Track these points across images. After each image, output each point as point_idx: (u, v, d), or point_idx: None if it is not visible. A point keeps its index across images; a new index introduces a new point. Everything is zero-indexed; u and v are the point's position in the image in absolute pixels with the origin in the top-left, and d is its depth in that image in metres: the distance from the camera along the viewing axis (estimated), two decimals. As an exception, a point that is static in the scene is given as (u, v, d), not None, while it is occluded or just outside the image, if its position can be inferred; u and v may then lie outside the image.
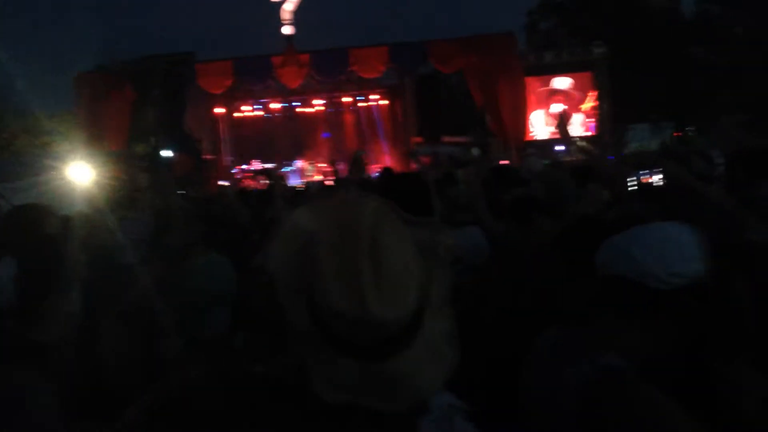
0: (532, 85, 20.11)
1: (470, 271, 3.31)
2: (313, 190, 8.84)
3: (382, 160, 20.81)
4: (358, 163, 4.60)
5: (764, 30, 27.09)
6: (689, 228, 1.60)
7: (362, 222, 1.06)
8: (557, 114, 19.30)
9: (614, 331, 1.61)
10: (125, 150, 17.53)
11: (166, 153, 16.90)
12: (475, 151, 16.89)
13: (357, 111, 22.11)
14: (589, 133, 20.19)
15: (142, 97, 18.04)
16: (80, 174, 16.01)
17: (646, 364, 1.55)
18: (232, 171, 21.33)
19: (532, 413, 1.86)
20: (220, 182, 19.24)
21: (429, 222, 1.20)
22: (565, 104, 20.13)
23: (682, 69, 27.32)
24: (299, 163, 21.32)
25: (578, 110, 20.35)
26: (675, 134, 27.20)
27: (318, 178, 19.48)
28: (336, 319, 1.02)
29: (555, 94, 20.49)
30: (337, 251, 1.04)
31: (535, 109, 20.24)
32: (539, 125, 20.27)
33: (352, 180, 4.38)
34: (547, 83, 20.40)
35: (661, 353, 1.58)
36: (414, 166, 18.77)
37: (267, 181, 17.59)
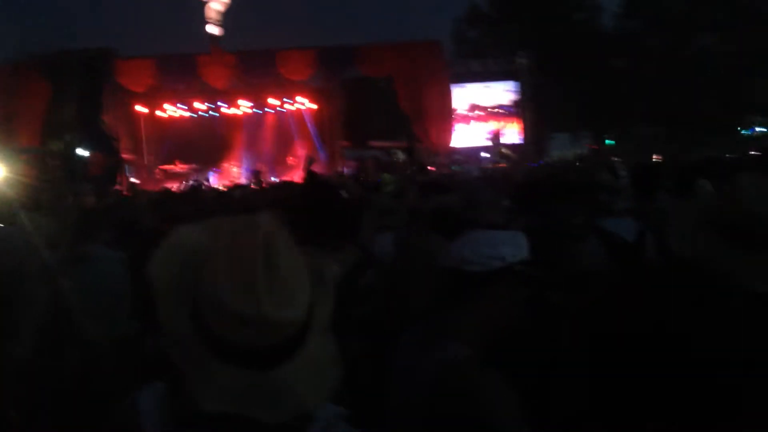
0: (469, 91, 20.71)
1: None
2: (238, 193, 8.69)
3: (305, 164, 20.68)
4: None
5: (680, 44, 28.47)
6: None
7: (258, 231, 1.09)
8: (493, 132, 19.94)
9: (453, 319, 1.84)
10: (38, 147, 16.81)
11: (81, 151, 16.27)
12: (399, 155, 17.03)
13: (283, 114, 21.87)
14: (513, 141, 20.73)
15: (58, 93, 17.33)
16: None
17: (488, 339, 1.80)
18: (153, 171, 20.76)
19: (393, 412, 1.95)
20: (132, 179, 18.64)
21: (314, 251, 1.24)
22: (502, 112, 20.85)
23: (602, 80, 28.36)
24: (223, 165, 20.96)
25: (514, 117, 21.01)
26: (591, 146, 28.22)
27: (242, 181, 19.20)
28: (228, 320, 1.03)
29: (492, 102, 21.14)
30: (232, 256, 1.07)
31: (472, 114, 20.83)
32: (473, 130, 20.79)
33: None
34: (485, 90, 21.00)
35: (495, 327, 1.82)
36: (341, 169, 18.79)
37: (190, 183, 17.26)
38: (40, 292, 2.91)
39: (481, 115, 21.13)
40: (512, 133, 20.91)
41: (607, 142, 28.08)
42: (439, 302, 1.92)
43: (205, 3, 19.93)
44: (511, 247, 1.81)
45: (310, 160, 19.68)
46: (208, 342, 1.05)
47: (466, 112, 21.11)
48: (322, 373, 1.12)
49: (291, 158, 21.48)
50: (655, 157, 21.00)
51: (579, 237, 3.12)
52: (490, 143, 20.02)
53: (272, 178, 19.46)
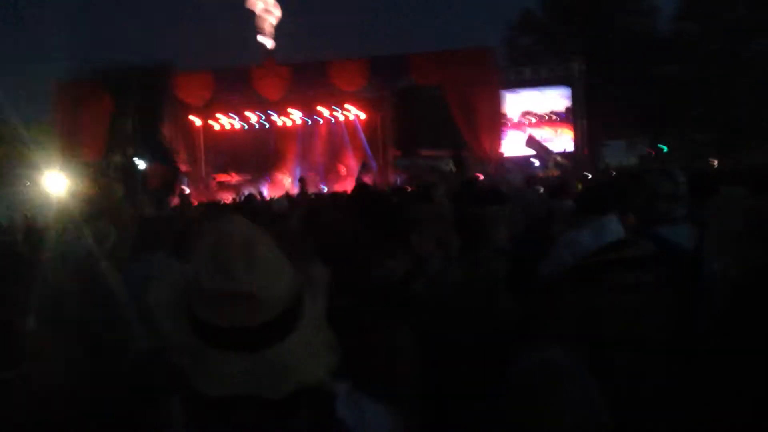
0: (521, 98, 20.57)
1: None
2: (279, 206, 8.78)
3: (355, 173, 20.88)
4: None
5: (738, 48, 27.61)
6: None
7: (235, 230, 1.21)
8: (532, 139, 19.74)
9: (548, 324, 1.81)
10: (101, 160, 17.38)
11: (141, 163, 16.78)
12: (448, 165, 16.99)
13: (335, 124, 22.10)
14: (566, 149, 20.43)
15: (120, 107, 17.90)
16: (55, 184, 15.90)
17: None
18: (208, 182, 21.21)
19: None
20: (183, 187, 19.01)
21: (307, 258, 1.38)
22: (555, 119, 20.64)
23: (657, 85, 27.71)
24: (276, 175, 21.25)
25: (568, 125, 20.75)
26: (649, 151, 27.58)
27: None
28: (211, 301, 1.14)
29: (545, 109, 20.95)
30: (215, 250, 1.18)
31: (524, 122, 20.70)
32: (515, 144, 20.59)
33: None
34: (538, 97, 20.81)
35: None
36: (393, 178, 18.87)
37: (247, 193, 17.58)
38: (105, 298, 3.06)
39: (533, 122, 20.93)
40: (566, 141, 20.64)
41: (662, 148, 27.40)
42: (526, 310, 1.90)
43: (258, 16, 20.35)
44: (575, 244, 1.75)
45: (363, 168, 19.96)
46: (201, 332, 1.15)
47: (519, 119, 20.97)
48: (317, 354, 1.20)
49: (342, 167, 21.69)
50: (710, 161, 20.47)
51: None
52: (531, 150, 19.82)
53: (323, 187, 19.66)
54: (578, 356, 1.65)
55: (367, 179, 19.01)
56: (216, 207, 8.89)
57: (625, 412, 1.65)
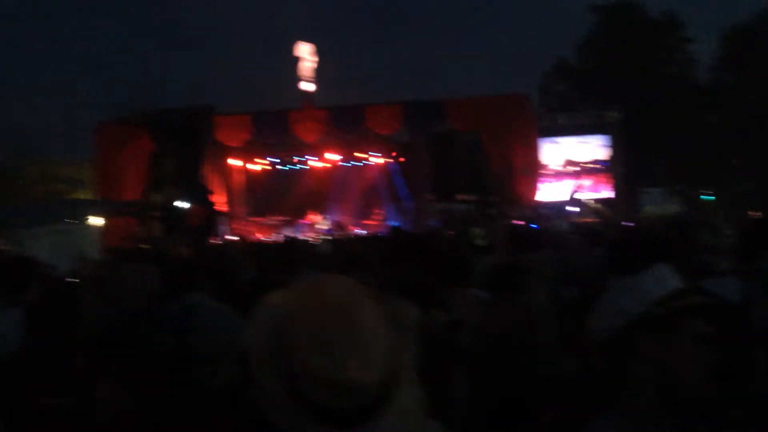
0: (557, 145, 20.53)
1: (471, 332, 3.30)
2: (324, 247, 8.83)
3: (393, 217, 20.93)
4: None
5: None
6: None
7: (334, 296, 1.14)
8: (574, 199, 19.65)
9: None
10: (141, 200, 17.68)
11: (180, 203, 17.02)
12: (486, 209, 16.91)
13: (370, 167, 22.27)
14: (604, 195, 20.24)
15: (160, 148, 18.27)
16: (96, 222, 16.20)
17: None
18: (244, 223, 21.42)
19: None
20: (228, 237, 19.30)
21: (392, 299, 1.28)
22: (592, 166, 20.53)
23: (695, 134, 27.47)
24: (312, 217, 21.39)
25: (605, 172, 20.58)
26: (685, 200, 27.23)
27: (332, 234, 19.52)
28: (316, 386, 1.07)
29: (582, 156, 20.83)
30: (313, 324, 1.10)
31: (560, 169, 20.62)
32: (561, 184, 20.48)
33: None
34: (575, 144, 20.73)
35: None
36: (425, 221, 18.82)
37: (285, 236, 17.71)
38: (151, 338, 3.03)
39: (576, 170, 20.78)
40: (605, 188, 20.46)
41: (702, 197, 26.98)
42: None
43: (300, 61, 20.82)
44: (638, 291, 1.57)
45: (399, 213, 20.05)
46: (300, 403, 1.09)
47: (560, 168, 20.85)
48: (411, 422, 1.15)
49: (377, 211, 21.76)
50: (751, 213, 20.03)
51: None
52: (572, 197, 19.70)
53: (356, 231, 19.68)
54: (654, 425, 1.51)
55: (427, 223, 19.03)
56: (261, 248, 8.92)
57: None
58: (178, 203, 16.93)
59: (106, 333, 2.62)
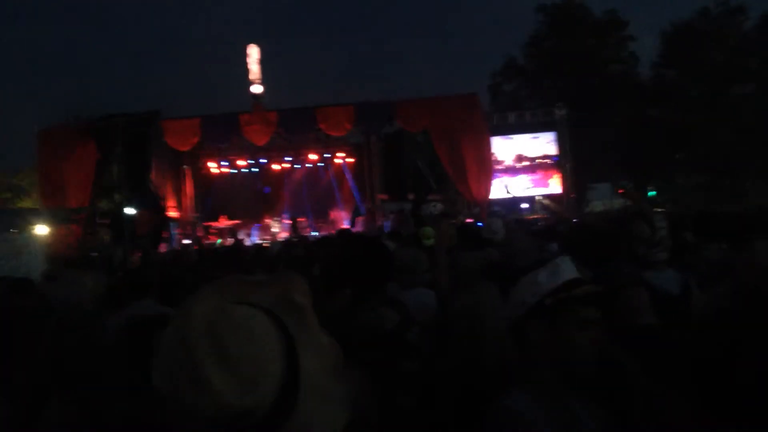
0: (507, 143, 20.79)
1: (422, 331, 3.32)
2: (275, 248, 8.80)
3: (345, 217, 20.98)
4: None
5: (718, 92, 28.24)
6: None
7: (204, 313, 1.02)
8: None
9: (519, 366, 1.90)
10: (88, 207, 17.28)
11: (129, 210, 16.68)
12: (438, 208, 17.02)
13: (323, 169, 22.30)
14: (551, 191, 20.62)
15: (106, 154, 17.86)
16: (41, 231, 15.77)
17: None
18: (197, 228, 21.16)
19: None
20: (184, 241, 19.05)
21: (278, 277, 1.16)
22: (540, 163, 20.83)
23: (640, 129, 28.18)
24: (266, 220, 21.26)
25: (554, 169, 20.90)
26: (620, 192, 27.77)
27: (283, 235, 19.41)
28: (194, 416, 0.97)
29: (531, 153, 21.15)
30: (183, 357, 0.98)
31: (511, 167, 20.88)
32: (512, 182, 20.77)
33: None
34: (524, 141, 21.02)
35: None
36: (378, 221, 18.89)
37: (232, 239, 17.53)
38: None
39: (527, 165, 21.12)
40: (554, 184, 20.84)
41: (649, 193, 27.69)
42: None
43: (249, 62, 20.68)
44: (533, 284, 1.86)
45: (355, 213, 20.06)
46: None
47: (513, 164, 21.18)
48: (331, 416, 1.07)
49: (332, 212, 21.80)
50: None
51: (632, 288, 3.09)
52: (509, 194, 20.08)
53: (312, 233, 19.64)
54: (543, 401, 1.76)
55: (359, 224, 19.08)
56: (208, 253, 8.83)
57: None
58: (126, 209, 16.59)
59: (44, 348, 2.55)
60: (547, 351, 1.81)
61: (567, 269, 1.86)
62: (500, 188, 20.14)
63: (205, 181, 22.19)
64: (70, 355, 2.04)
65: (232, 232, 19.85)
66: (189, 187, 21.83)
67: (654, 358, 2.08)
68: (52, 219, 15.42)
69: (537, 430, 1.70)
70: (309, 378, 1.05)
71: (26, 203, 27.74)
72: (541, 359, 1.82)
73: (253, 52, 21.15)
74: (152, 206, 17.43)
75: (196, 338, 0.98)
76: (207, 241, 19.58)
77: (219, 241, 19.62)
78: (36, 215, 16.30)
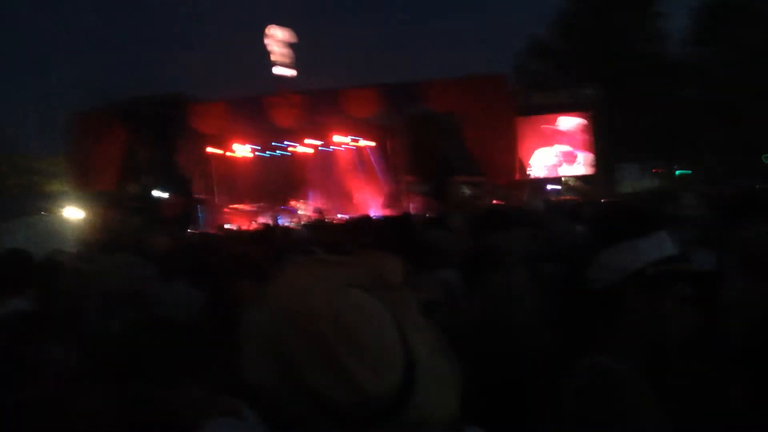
0: (535, 124, 20.41)
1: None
2: (303, 232, 8.79)
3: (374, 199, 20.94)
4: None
5: (750, 71, 27.56)
6: None
7: (325, 301, 0.99)
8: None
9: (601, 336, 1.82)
10: (116, 190, 17.48)
11: (157, 193, 16.85)
12: (465, 190, 16.93)
13: (349, 151, 22.20)
14: (581, 172, 20.35)
15: (135, 137, 18.04)
16: (70, 214, 16.00)
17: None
18: (224, 211, 21.28)
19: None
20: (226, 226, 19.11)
21: (369, 256, 1.17)
22: (569, 144, 20.43)
23: (671, 109, 27.66)
24: (292, 203, 21.29)
25: (583, 149, 20.53)
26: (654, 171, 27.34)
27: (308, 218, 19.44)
28: (327, 402, 0.96)
29: (559, 134, 20.77)
30: (313, 338, 0.97)
31: (538, 148, 20.50)
32: (540, 163, 20.45)
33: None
34: (552, 122, 20.62)
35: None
36: (405, 204, 18.84)
37: (263, 223, 17.59)
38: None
39: (555, 146, 20.77)
40: (581, 165, 20.56)
41: (678, 172, 27.23)
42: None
43: (274, 44, 20.63)
44: (638, 251, 1.78)
45: (381, 196, 20.00)
46: (307, 402, 0.98)
47: (540, 144, 20.87)
48: (441, 403, 1.04)
49: (357, 195, 21.73)
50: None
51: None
52: (557, 172, 19.75)
53: (339, 215, 19.66)
54: (635, 364, 1.70)
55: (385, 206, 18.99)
56: (239, 236, 8.85)
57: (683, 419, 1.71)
58: (155, 193, 16.76)
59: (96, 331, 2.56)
60: (639, 321, 1.76)
61: (670, 244, 1.81)
62: (526, 169, 19.92)
63: (231, 164, 22.25)
64: (111, 342, 2.02)
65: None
66: (217, 171, 21.91)
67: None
68: (82, 202, 15.62)
69: (629, 386, 1.65)
70: (422, 360, 1.03)
71: (55, 187, 28.14)
72: (631, 328, 1.77)
73: (276, 33, 21.08)
74: (181, 189, 17.60)
75: (324, 324, 0.96)
76: (234, 225, 19.69)
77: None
78: (66, 198, 16.52)
